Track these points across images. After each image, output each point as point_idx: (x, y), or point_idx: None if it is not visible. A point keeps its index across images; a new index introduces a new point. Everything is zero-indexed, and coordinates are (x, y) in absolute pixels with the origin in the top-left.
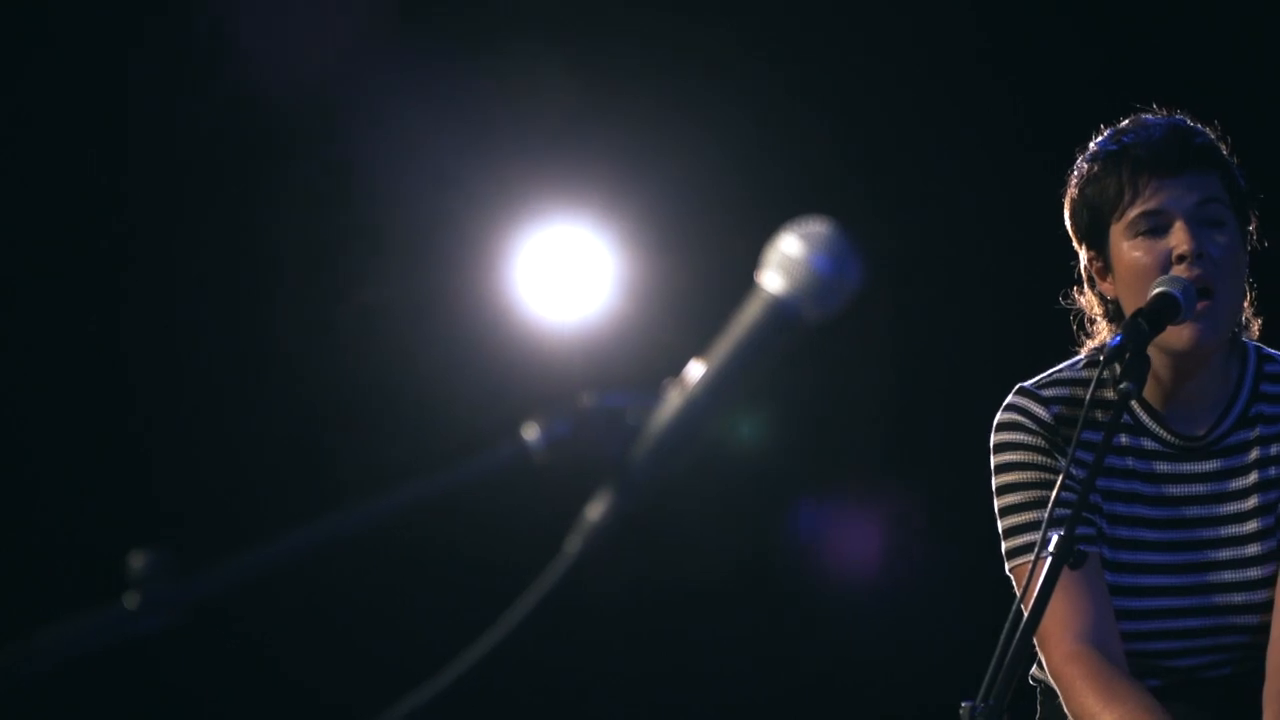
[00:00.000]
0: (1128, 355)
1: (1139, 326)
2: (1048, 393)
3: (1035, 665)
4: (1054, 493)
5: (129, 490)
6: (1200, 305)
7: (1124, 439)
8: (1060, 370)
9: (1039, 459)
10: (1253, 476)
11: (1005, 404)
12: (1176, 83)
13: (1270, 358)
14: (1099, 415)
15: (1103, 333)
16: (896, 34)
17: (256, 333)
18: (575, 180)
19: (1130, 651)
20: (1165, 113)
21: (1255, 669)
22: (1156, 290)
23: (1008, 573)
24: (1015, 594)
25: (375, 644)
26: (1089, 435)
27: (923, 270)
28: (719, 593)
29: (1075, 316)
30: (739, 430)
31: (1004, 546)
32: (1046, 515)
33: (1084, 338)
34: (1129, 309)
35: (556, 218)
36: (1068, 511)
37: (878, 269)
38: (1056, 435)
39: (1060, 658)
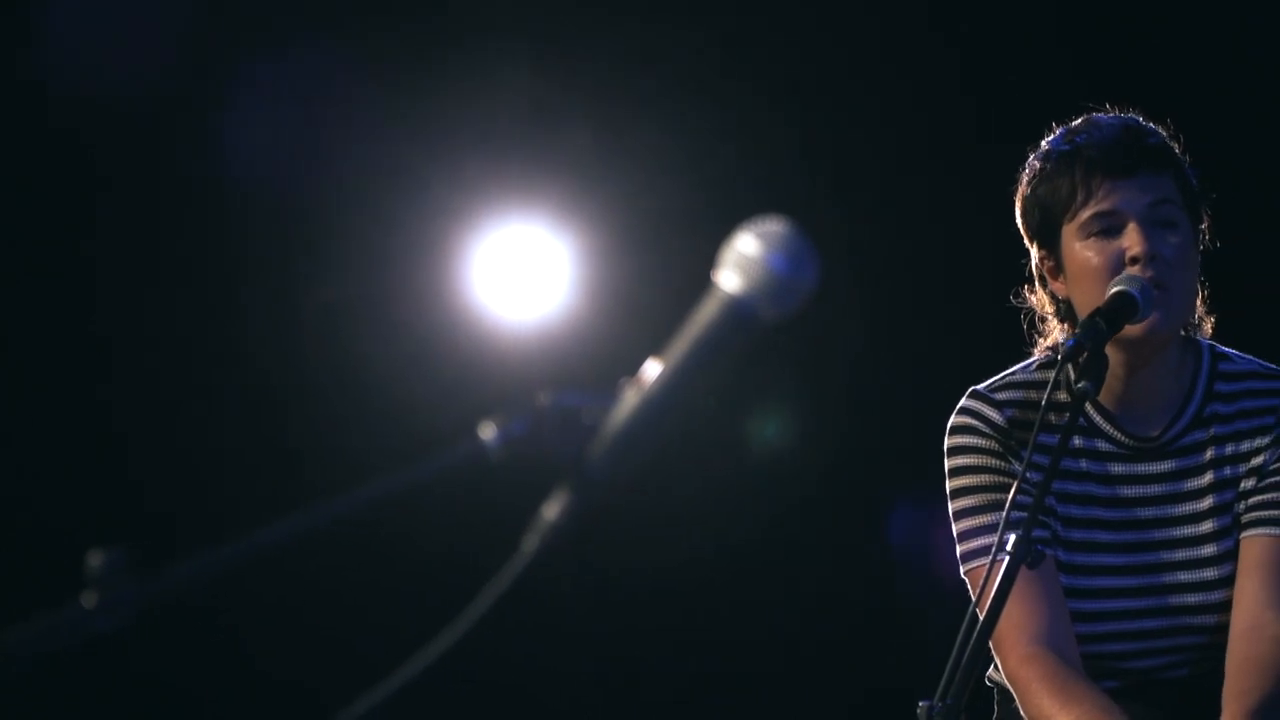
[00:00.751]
0: (1085, 355)
1: (1097, 326)
2: (1001, 395)
3: (992, 667)
4: (1010, 496)
5: (86, 488)
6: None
7: (1078, 441)
8: (1013, 372)
9: (993, 462)
10: (1208, 477)
11: (958, 407)
12: (1130, 81)
13: (1224, 356)
14: (1053, 418)
15: (1053, 332)
16: (853, 33)
17: (217, 331)
18: (533, 180)
19: (1087, 653)
20: (1118, 111)
21: (1213, 669)
22: (1115, 289)
23: (962, 575)
24: (971, 597)
25: (333, 643)
26: (1044, 438)
27: (877, 269)
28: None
29: (1026, 315)
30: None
31: (959, 550)
32: (1003, 518)
33: (1036, 336)
34: (1081, 309)
35: (514, 217)
36: (1024, 515)
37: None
38: (1010, 438)
39: (1016, 660)
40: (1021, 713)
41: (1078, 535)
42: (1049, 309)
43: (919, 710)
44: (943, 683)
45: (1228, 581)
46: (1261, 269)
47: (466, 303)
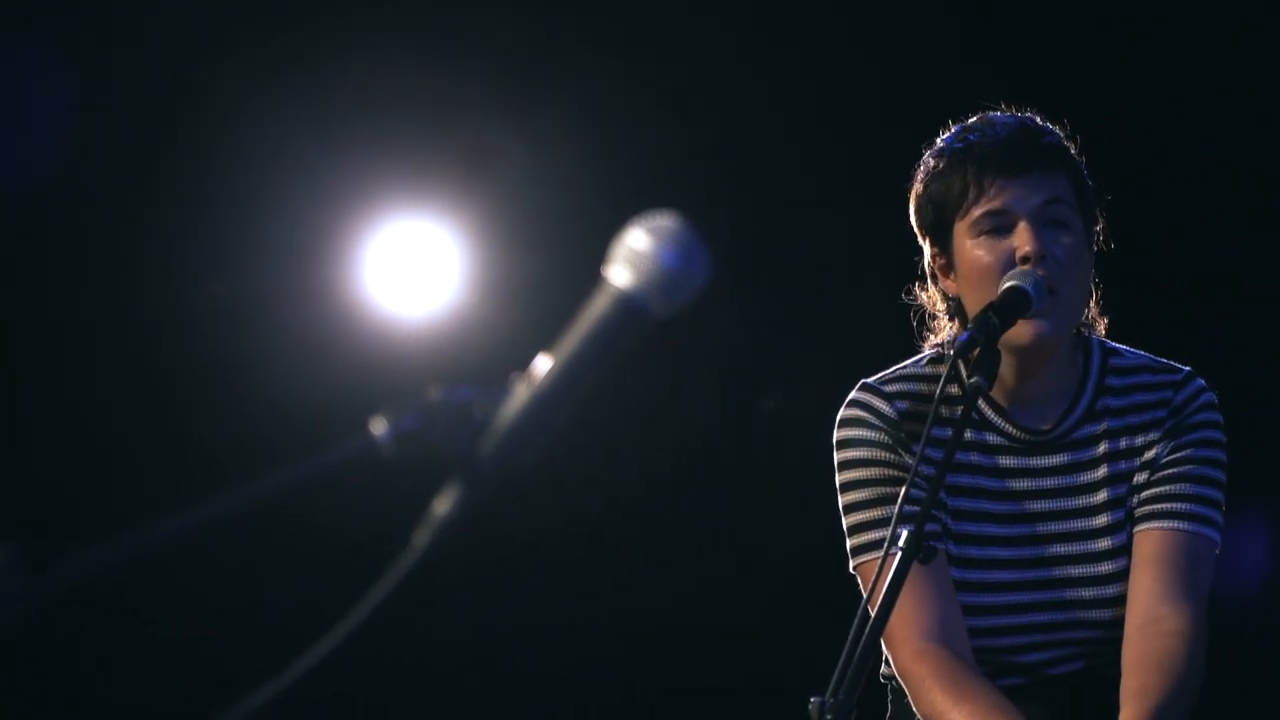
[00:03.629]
0: (978, 350)
1: (989, 320)
2: (891, 388)
3: (884, 663)
4: (903, 490)
5: None
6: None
7: (968, 434)
8: (904, 367)
9: (884, 455)
10: (1102, 470)
11: (848, 400)
12: (1027, 80)
13: (1115, 351)
14: (944, 411)
15: (943, 330)
16: (741, 26)
17: (112, 326)
18: (423, 176)
19: (980, 648)
20: (1014, 111)
21: (1108, 664)
22: (1008, 284)
23: (852, 571)
24: (861, 594)
25: (221, 641)
26: (936, 432)
27: (767, 263)
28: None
29: (916, 312)
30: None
31: (849, 544)
32: (895, 512)
33: (926, 333)
34: (971, 307)
35: (404, 213)
36: (916, 509)
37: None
38: (901, 431)
39: (908, 656)
40: (914, 709)
41: (968, 528)
42: (940, 307)
43: (810, 706)
44: (834, 679)
45: (1121, 576)
46: (1157, 270)
47: (358, 298)
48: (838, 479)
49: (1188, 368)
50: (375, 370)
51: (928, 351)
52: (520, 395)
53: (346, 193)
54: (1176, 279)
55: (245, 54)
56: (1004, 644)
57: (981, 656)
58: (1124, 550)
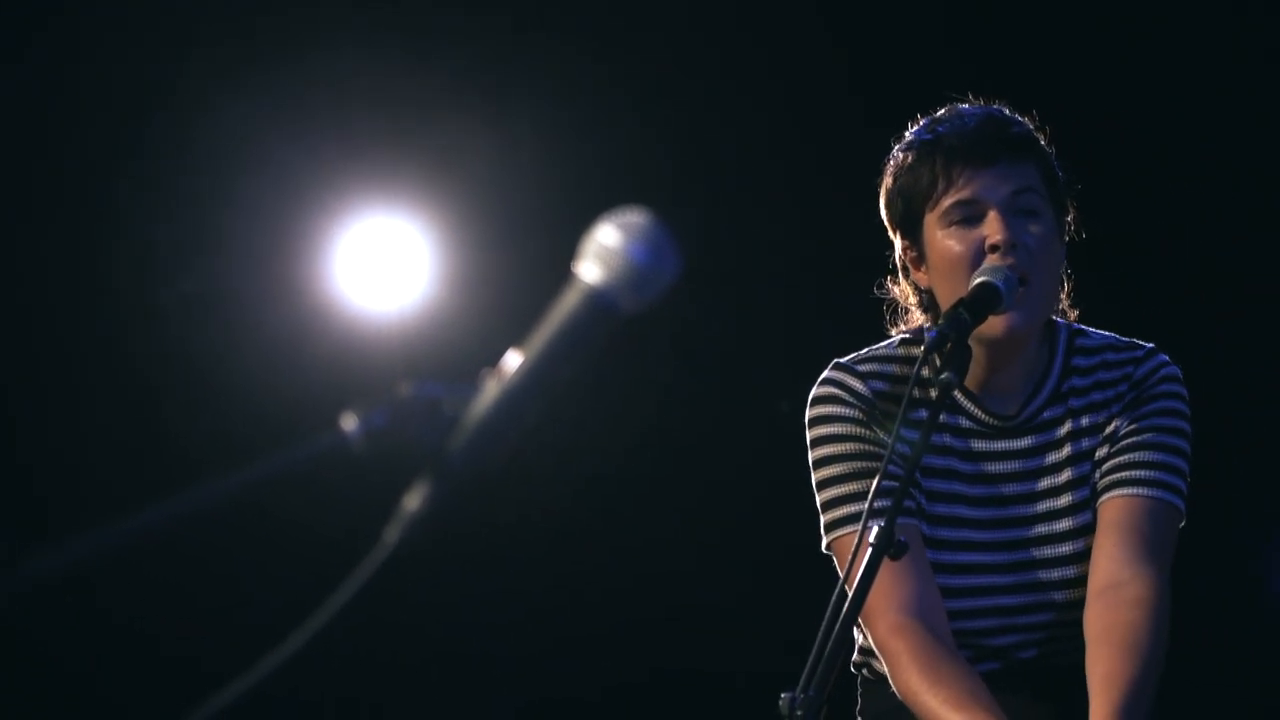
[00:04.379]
0: (949, 345)
1: (960, 316)
2: (864, 368)
3: (856, 651)
4: (881, 468)
5: None
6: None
7: (942, 417)
8: (876, 349)
9: (859, 431)
10: (1066, 450)
11: (821, 379)
12: (996, 74)
13: (1081, 332)
14: (917, 393)
15: (916, 321)
16: (710, 21)
17: (83, 323)
18: (393, 172)
19: (955, 630)
20: (982, 103)
21: (1077, 649)
22: (978, 280)
23: (825, 549)
24: (831, 586)
25: (190, 638)
26: (911, 414)
27: (739, 260)
28: None
29: (888, 306)
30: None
31: (825, 519)
32: (873, 488)
33: (899, 325)
34: (943, 299)
35: (374, 209)
36: (895, 484)
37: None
38: (875, 410)
39: (885, 630)
40: (892, 685)
41: (941, 510)
42: (912, 300)
43: (780, 703)
44: (805, 674)
45: (1084, 556)
46: (1129, 261)
47: (328, 294)
48: (811, 456)
49: (1151, 344)
50: (346, 366)
51: (898, 334)
52: (490, 391)
53: (317, 189)
54: (1149, 270)
55: (215, 50)
56: (976, 626)
57: (956, 639)
58: (1086, 530)
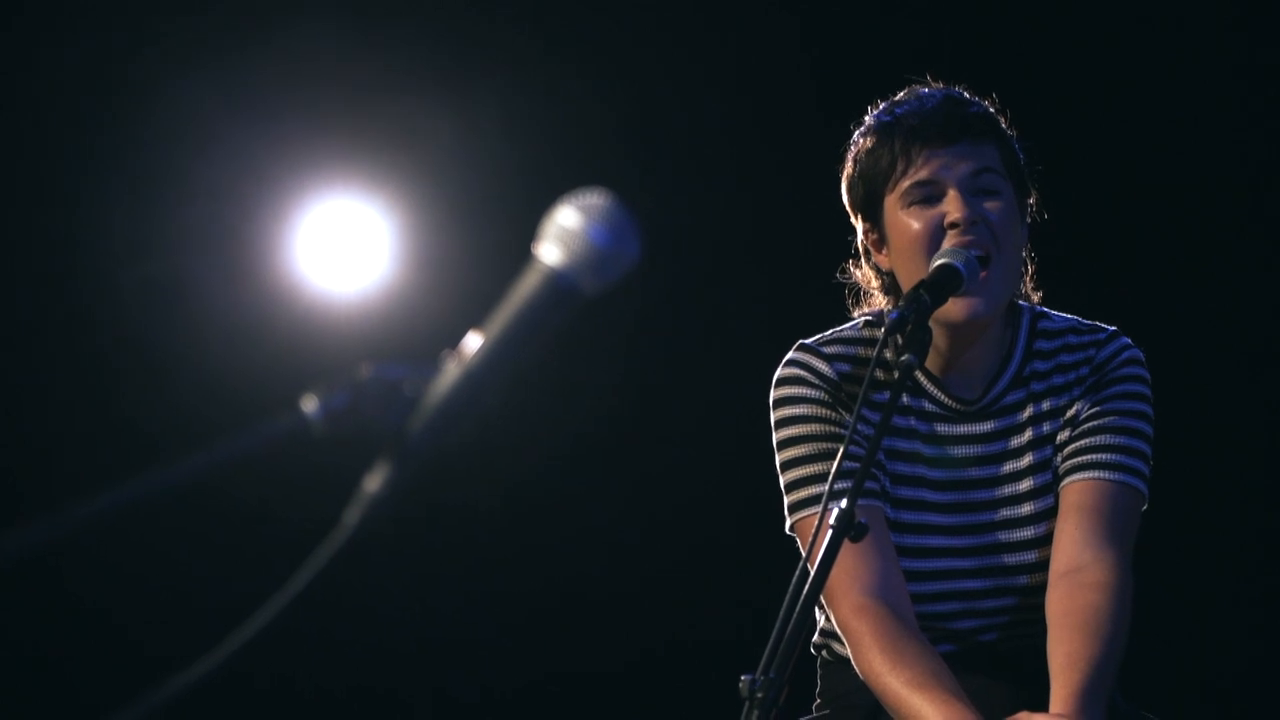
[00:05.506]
0: (909, 327)
1: (920, 298)
2: (829, 349)
3: (818, 632)
4: (842, 448)
5: None
6: (980, 276)
7: (905, 399)
8: (841, 330)
9: (823, 412)
10: (1028, 434)
11: (786, 360)
12: (956, 56)
13: (1044, 315)
14: (880, 374)
15: (879, 304)
16: (671, 6)
17: (42, 305)
18: (353, 154)
19: (917, 614)
20: (942, 85)
21: (1038, 632)
22: (939, 262)
23: (789, 531)
24: (799, 558)
25: (150, 619)
26: (873, 396)
27: (699, 244)
28: None
29: (850, 290)
30: None
31: (788, 500)
32: (834, 469)
33: (861, 308)
34: (905, 280)
35: (333, 191)
36: (856, 465)
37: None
38: (840, 391)
39: (848, 610)
40: (854, 666)
41: (905, 493)
42: (874, 284)
43: (740, 685)
44: (765, 656)
45: (1045, 540)
46: (1093, 244)
47: (289, 276)
48: (776, 437)
49: (1113, 328)
50: (306, 348)
51: (860, 315)
52: (451, 373)
53: (277, 171)
54: (1112, 253)
55: (173, 30)
56: (939, 610)
57: (919, 623)
58: (1047, 515)
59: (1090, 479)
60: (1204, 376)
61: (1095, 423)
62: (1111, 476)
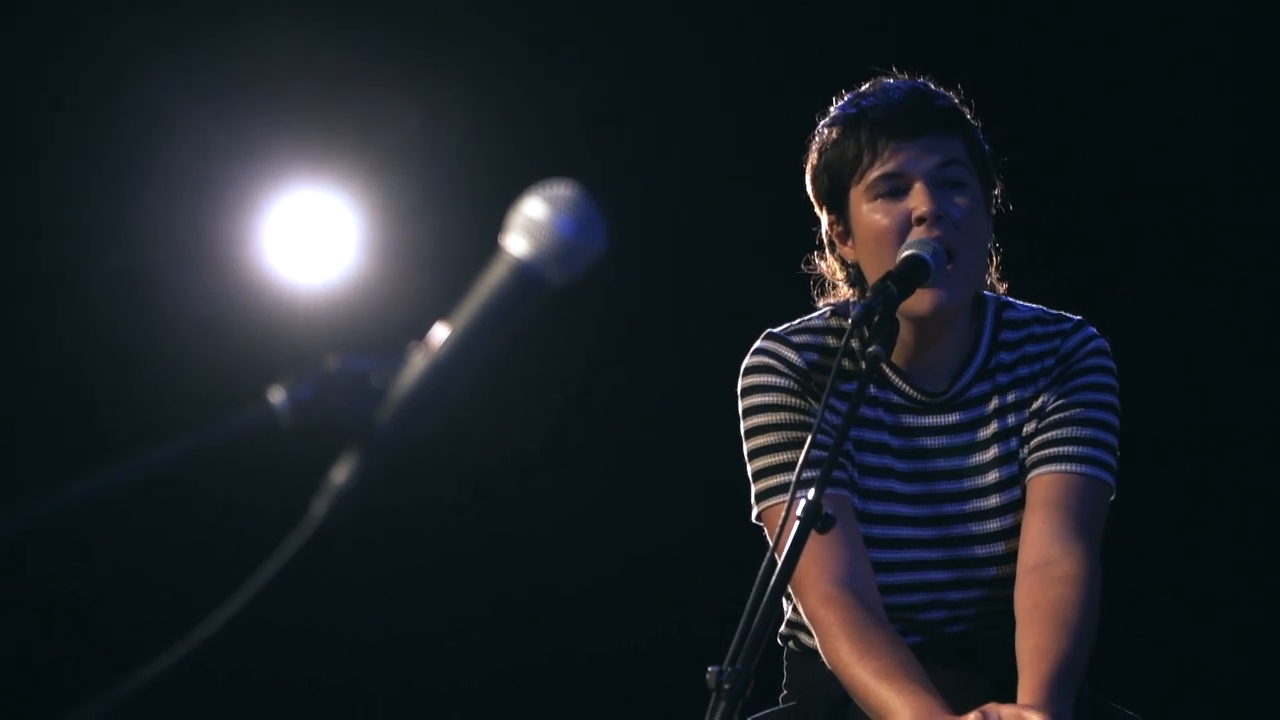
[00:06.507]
0: (876, 319)
1: (887, 289)
2: (798, 339)
3: (785, 624)
4: (809, 437)
5: None
6: (946, 268)
7: (872, 390)
8: (809, 320)
9: (792, 401)
10: (993, 426)
11: (754, 348)
12: (921, 48)
13: (1009, 305)
14: (847, 364)
15: (844, 295)
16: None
17: (2, 298)
18: (318, 145)
19: (885, 604)
20: (907, 77)
21: (1004, 623)
22: (906, 253)
23: (755, 520)
24: (765, 547)
25: (118, 611)
26: (841, 387)
27: (665, 235)
28: None
29: (815, 282)
30: None
31: (756, 489)
32: (802, 458)
33: (824, 301)
34: (870, 272)
35: (300, 182)
36: (824, 454)
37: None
38: (809, 380)
39: (816, 600)
40: (822, 656)
41: (873, 484)
42: (840, 275)
43: (708, 676)
44: (732, 647)
45: (1011, 532)
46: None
47: (256, 267)
48: (744, 425)
49: (1079, 317)
50: (273, 339)
51: (827, 305)
52: (417, 364)
53: (244, 162)
54: (1078, 242)
55: (139, 20)
56: (906, 601)
57: (888, 614)
58: (1014, 507)
59: (1057, 472)
60: (1203, 376)
61: (1061, 415)
62: (1079, 469)
